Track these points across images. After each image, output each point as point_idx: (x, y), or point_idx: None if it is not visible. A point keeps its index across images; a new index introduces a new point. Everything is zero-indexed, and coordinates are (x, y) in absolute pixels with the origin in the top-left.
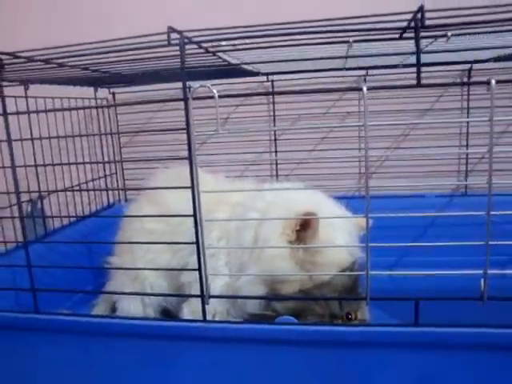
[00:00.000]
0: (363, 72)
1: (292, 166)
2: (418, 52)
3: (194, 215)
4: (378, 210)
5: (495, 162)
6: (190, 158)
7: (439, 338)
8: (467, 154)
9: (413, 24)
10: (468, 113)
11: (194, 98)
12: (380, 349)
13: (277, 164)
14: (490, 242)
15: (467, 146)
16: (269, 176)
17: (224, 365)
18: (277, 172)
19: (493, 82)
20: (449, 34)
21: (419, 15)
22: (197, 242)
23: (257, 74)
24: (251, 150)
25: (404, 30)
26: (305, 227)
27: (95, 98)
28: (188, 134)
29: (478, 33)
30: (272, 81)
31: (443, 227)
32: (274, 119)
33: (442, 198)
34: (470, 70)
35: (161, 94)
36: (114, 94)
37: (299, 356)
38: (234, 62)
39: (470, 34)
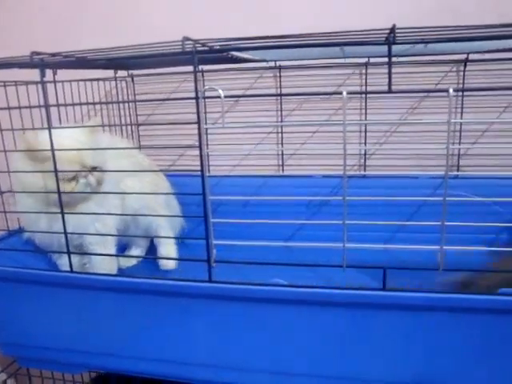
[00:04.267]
0: (365, 59)
1: (296, 146)
2: (389, 64)
3: (203, 194)
4: (377, 188)
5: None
6: (200, 147)
7: (401, 301)
8: (460, 137)
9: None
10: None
11: (204, 98)
12: (356, 309)
13: (282, 144)
14: (446, 223)
15: (460, 134)
16: (275, 154)
17: (228, 322)
18: (282, 157)
19: (451, 90)
20: (425, 40)
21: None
22: (205, 216)
23: (264, 61)
24: (259, 130)
25: (380, 43)
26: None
27: (115, 79)
28: (199, 128)
29: (450, 41)
30: (280, 66)
31: (436, 206)
32: (281, 100)
33: (435, 180)
34: (466, 60)
35: (174, 77)
36: (132, 75)
37: (292, 314)
38: (242, 55)
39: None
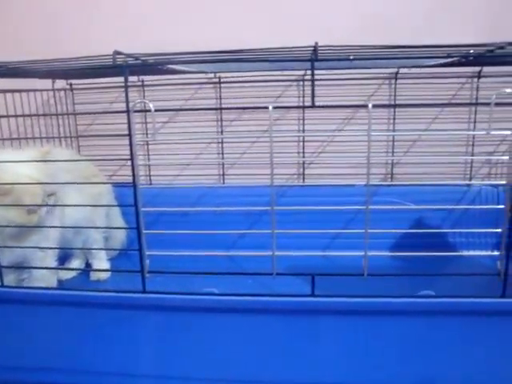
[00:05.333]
0: (302, 72)
1: (237, 156)
2: (312, 79)
3: (135, 206)
4: (316, 196)
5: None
6: (131, 159)
7: (328, 306)
8: (393, 148)
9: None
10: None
11: (134, 111)
12: (286, 315)
13: (223, 154)
14: (369, 230)
15: (393, 144)
16: (216, 164)
17: (164, 331)
18: (223, 166)
19: (370, 105)
20: (351, 57)
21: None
22: (138, 228)
23: (203, 72)
24: (200, 140)
25: (304, 60)
26: None
27: (53, 90)
28: (130, 140)
29: (372, 59)
30: (219, 77)
31: (371, 213)
32: (221, 112)
33: (370, 188)
34: (396, 73)
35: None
36: (71, 85)
37: (225, 322)
38: (181, 68)
39: (365, 59)
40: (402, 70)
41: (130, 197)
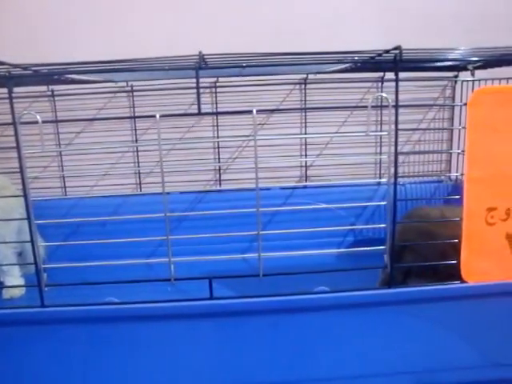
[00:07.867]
0: (214, 79)
1: (153, 164)
2: (197, 87)
3: (29, 219)
4: (233, 201)
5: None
6: (21, 172)
7: (227, 308)
8: (306, 151)
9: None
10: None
11: (21, 123)
12: (185, 320)
13: (138, 163)
14: (261, 232)
15: (306, 147)
16: (133, 173)
17: (63, 345)
18: (139, 175)
19: (254, 111)
20: (244, 64)
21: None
22: (32, 241)
23: (113, 81)
24: (115, 150)
25: (188, 69)
26: None
27: None
28: (18, 152)
29: (264, 66)
30: (132, 86)
31: (287, 214)
32: (135, 120)
33: (286, 190)
34: (305, 79)
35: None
36: None
37: (123, 331)
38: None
39: (257, 66)
40: (311, 76)
41: (46, 209)
